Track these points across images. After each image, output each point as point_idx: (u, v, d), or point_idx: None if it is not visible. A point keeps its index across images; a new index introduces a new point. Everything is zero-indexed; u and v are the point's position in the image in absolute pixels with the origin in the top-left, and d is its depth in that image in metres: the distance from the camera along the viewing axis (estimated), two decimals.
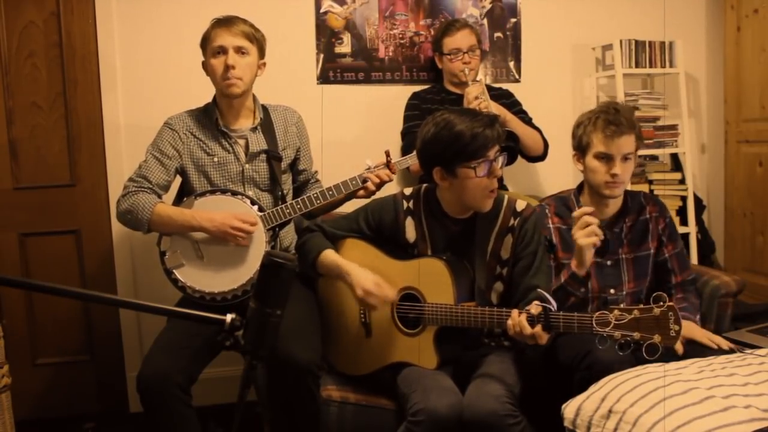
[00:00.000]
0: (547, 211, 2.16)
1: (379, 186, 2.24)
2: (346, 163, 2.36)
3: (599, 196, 2.09)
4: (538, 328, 1.71)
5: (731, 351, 1.91)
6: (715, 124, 3.43)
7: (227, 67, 2.11)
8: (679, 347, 1.89)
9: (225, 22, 2.15)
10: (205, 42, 2.17)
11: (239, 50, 2.13)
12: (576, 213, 1.92)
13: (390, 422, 1.98)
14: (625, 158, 2.03)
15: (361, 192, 2.24)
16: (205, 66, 2.19)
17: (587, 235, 1.87)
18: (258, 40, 2.18)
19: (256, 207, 2.14)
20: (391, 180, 2.25)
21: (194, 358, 1.99)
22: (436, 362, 1.93)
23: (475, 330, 1.99)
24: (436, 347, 1.93)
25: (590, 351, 1.82)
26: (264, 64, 2.24)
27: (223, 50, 2.12)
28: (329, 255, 2.04)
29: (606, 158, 2.03)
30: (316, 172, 2.45)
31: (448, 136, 1.86)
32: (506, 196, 2.05)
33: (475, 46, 2.76)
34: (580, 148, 2.09)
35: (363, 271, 1.97)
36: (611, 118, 2.01)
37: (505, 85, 3.00)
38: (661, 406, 1.49)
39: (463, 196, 1.93)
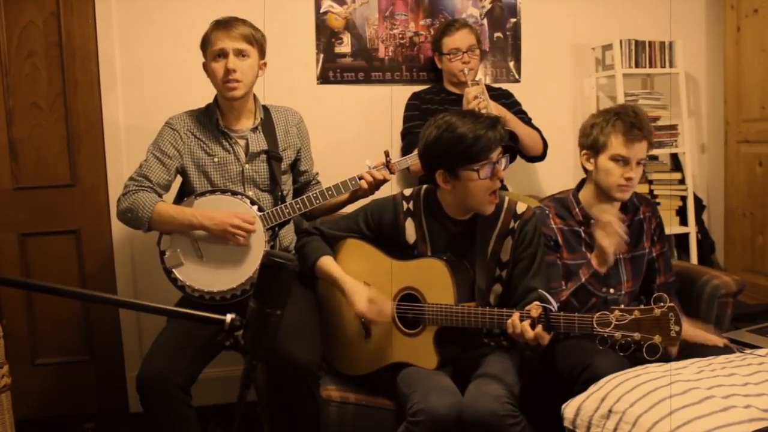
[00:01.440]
0: (548, 212, 2.15)
1: (375, 186, 2.23)
2: (346, 163, 2.36)
3: (604, 197, 2.08)
4: (539, 328, 1.71)
5: (727, 349, 1.91)
6: (715, 124, 3.43)
7: (228, 71, 2.11)
8: (673, 350, 1.90)
9: (224, 25, 2.14)
10: (205, 44, 2.17)
11: (239, 53, 2.12)
12: (604, 218, 1.91)
13: (390, 422, 1.98)
14: (638, 163, 2.03)
15: (359, 192, 2.24)
16: (206, 67, 2.19)
17: (611, 237, 1.88)
18: (258, 41, 2.18)
19: (255, 207, 2.14)
20: (388, 180, 2.25)
21: (194, 358, 1.99)
22: (435, 362, 1.93)
23: (474, 330, 1.99)
24: (436, 347, 1.93)
25: (590, 365, 1.82)
26: (265, 64, 2.23)
27: (223, 54, 2.12)
28: (326, 263, 2.05)
29: (623, 161, 2.01)
30: (317, 174, 2.45)
31: (451, 138, 1.85)
32: (507, 198, 2.04)
33: (474, 45, 2.76)
34: (594, 148, 2.06)
35: (357, 286, 1.99)
36: (633, 121, 1.99)
37: (504, 85, 3.00)
38: (660, 406, 1.50)
39: (466, 198, 1.93)
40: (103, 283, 2.84)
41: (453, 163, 1.87)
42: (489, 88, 2.76)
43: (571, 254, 2.09)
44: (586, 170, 2.13)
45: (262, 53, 2.21)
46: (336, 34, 2.99)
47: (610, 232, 1.89)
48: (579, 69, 3.26)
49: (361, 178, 2.20)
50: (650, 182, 3.20)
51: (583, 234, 2.10)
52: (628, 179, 2.01)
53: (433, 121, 1.93)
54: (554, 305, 1.71)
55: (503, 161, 1.90)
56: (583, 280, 1.95)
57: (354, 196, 2.28)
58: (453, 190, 1.93)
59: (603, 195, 2.08)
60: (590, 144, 2.08)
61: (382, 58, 3.04)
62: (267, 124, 2.26)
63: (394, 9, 3.03)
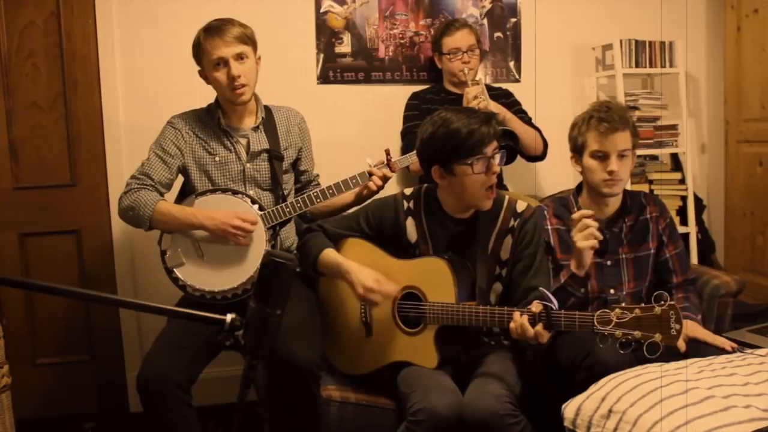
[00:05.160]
0: (545, 212, 2.16)
1: (381, 185, 2.24)
2: (346, 163, 2.36)
3: (599, 196, 2.10)
4: (540, 326, 1.71)
5: (734, 351, 1.91)
6: (715, 124, 3.43)
7: (233, 78, 2.09)
8: (681, 345, 1.89)
9: (217, 31, 2.09)
10: (199, 52, 2.13)
11: (239, 57, 2.10)
12: (575, 215, 1.92)
13: (390, 422, 1.98)
14: (622, 155, 2.03)
15: (365, 191, 2.25)
16: (203, 75, 2.17)
17: (586, 237, 1.87)
18: (250, 38, 2.15)
19: (256, 206, 2.14)
20: (389, 177, 2.26)
21: (194, 358, 1.99)
22: (436, 362, 1.93)
23: (475, 329, 1.99)
24: (437, 346, 1.93)
25: (591, 352, 1.82)
26: (259, 58, 2.21)
27: (223, 62, 2.09)
28: (329, 254, 2.04)
29: (602, 156, 2.04)
30: (317, 175, 2.45)
31: (445, 133, 1.87)
32: (507, 197, 2.05)
33: (474, 45, 2.76)
34: (577, 150, 2.11)
35: (363, 268, 1.97)
36: (603, 115, 2.03)
37: (505, 85, 3.00)
38: (660, 405, 1.49)
39: (462, 194, 1.93)
40: (103, 283, 2.84)
41: (448, 158, 1.88)
42: (489, 88, 2.76)
43: (566, 254, 2.08)
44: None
45: (256, 48, 2.19)
46: (336, 34, 2.99)
47: (580, 228, 1.89)
48: (579, 69, 3.26)
49: (370, 174, 2.20)
50: (650, 182, 3.20)
51: None
52: (611, 172, 2.02)
53: (429, 118, 1.95)
54: (555, 303, 1.71)
55: (498, 156, 1.91)
56: (562, 281, 1.95)
57: (359, 197, 2.28)
58: (449, 187, 1.94)
59: (595, 194, 2.10)
60: (573, 146, 2.12)
61: (382, 58, 3.04)
62: (268, 123, 2.26)
63: (394, 9, 3.03)
